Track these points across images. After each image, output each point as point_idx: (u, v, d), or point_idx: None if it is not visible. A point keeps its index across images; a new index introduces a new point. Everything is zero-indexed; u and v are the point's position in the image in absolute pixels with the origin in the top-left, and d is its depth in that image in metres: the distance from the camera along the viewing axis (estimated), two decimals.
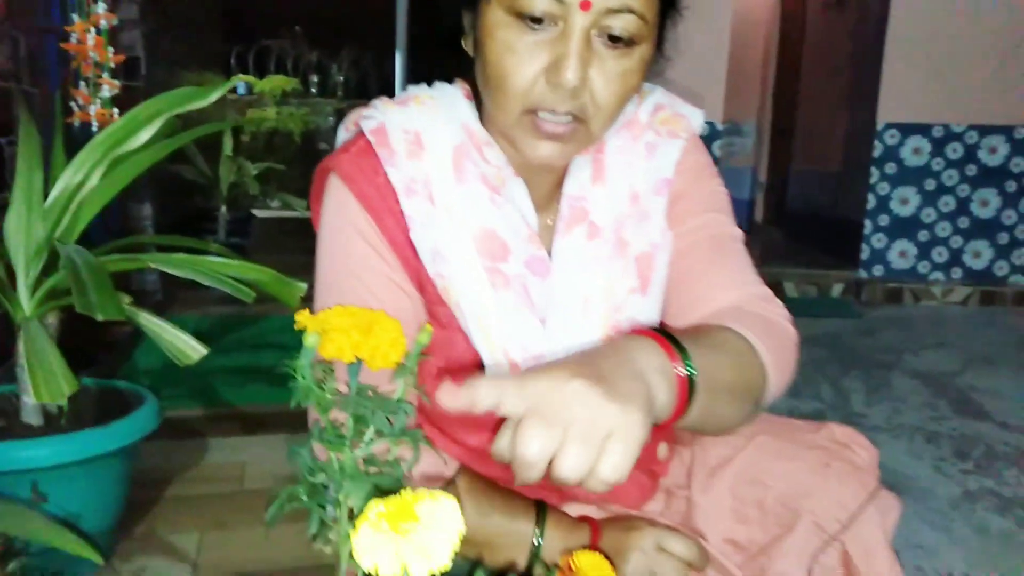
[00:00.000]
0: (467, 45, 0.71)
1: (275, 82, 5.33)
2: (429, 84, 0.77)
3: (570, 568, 0.50)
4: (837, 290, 3.71)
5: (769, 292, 0.74)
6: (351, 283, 0.72)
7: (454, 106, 0.74)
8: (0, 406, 0.99)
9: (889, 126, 3.63)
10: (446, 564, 0.35)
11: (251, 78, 5.78)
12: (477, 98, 0.73)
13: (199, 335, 1.03)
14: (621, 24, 0.62)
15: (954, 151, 3.62)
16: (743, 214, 5.83)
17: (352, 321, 0.68)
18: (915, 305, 3.62)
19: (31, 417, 0.93)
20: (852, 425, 1.99)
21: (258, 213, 3.72)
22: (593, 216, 0.75)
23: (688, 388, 0.55)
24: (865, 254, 3.73)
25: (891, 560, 0.77)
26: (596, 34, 0.63)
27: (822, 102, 4.57)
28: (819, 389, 2.43)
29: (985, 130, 3.60)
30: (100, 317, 0.75)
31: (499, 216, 0.72)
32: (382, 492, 0.59)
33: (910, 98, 3.58)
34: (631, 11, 0.62)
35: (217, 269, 0.95)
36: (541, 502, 0.74)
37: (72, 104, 1.61)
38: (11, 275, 0.90)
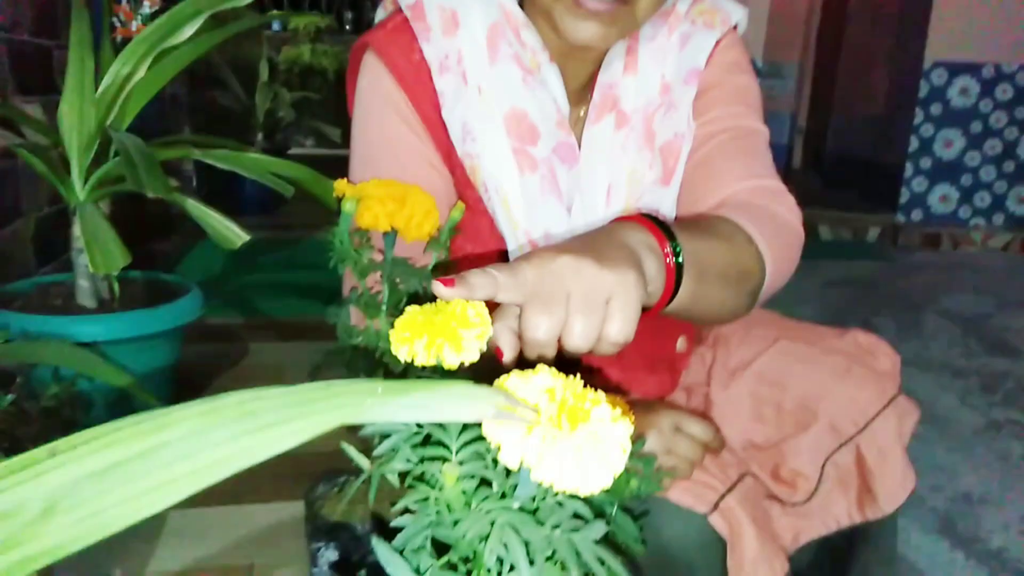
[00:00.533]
0: None
1: (309, 19, 5.31)
2: None
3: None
4: (873, 234, 3.65)
5: (781, 187, 0.73)
6: (385, 158, 0.74)
7: None
8: (57, 292, 1.05)
9: (937, 65, 3.51)
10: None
11: (286, 14, 5.76)
12: None
13: (236, 254, 1.08)
14: None
15: (1004, 92, 3.50)
16: (780, 159, 5.73)
17: (388, 191, 0.71)
18: (954, 250, 3.55)
19: (86, 299, 0.98)
20: None
21: (294, 151, 3.78)
22: (623, 105, 0.75)
23: (676, 268, 0.54)
24: (904, 198, 3.65)
25: (904, 463, 0.79)
26: None
27: (868, 44, 4.42)
28: (847, 327, 2.42)
29: None
30: (150, 194, 0.79)
31: (531, 98, 0.73)
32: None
33: (960, 35, 3.45)
34: None
35: (258, 164, 0.99)
36: None
37: (114, 19, 1.65)
38: (65, 163, 0.94)
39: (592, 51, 0.73)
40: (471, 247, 0.76)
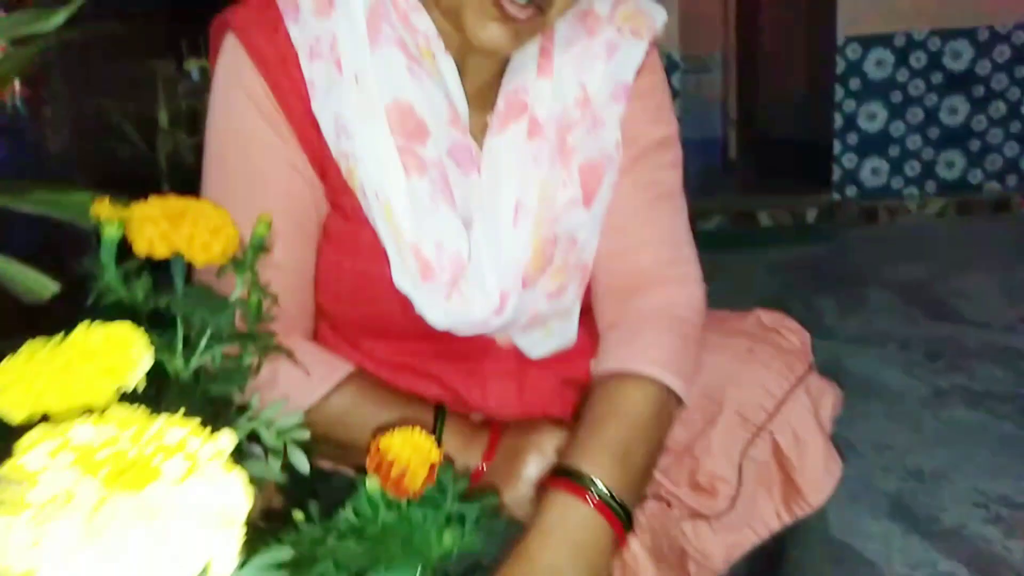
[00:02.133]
0: None
1: None
2: None
3: (379, 455, 0.43)
4: (811, 215, 3.65)
5: (688, 256, 0.73)
6: (238, 160, 0.65)
7: None
8: None
9: (850, 40, 3.53)
10: None
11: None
12: None
13: None
14: None
15: (918, 60, 3.53)
16: (715, 153, 5.75)
17: (162, 209, 0.60)
18: (891, 222, 3.55)
19: None
20: (825, 340, 1.92)
21: None
22: (535, 112, 0.68)
23: (622, 526, 0.59)
24: (837, 176, 3.65)
25: (825, 448, 0.72)
26: None
27: (784, 26, 4.47)
28: (791, 310, 2.36)
29: (947, 35, 3.50)
30: None
31: (418, 89, 0.65)
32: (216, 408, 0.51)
33: (869, 8, 3.48)
34: None
35: (79, 203, 0.88)
36: (441, 405, 0.68)
37: None
38: None
39: (497, 54, 0.66)
40: (349, 263, 0.67)
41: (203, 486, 0.20)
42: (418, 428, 0.44)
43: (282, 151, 0.65)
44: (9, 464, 0.19)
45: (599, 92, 0.70)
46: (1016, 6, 3.46)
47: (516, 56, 0.68)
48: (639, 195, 0.72)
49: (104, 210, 0.59)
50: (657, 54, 0.74)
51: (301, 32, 0.64)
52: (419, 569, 0.41)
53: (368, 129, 0.64)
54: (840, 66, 3.55)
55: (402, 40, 0.64)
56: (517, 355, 0.73)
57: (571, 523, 0.57)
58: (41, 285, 0.80)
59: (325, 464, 0.70)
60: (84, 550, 0.18)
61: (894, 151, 3.62)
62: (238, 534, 0.19)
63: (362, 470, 0.45)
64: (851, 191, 3.66)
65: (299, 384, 0.62)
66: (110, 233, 0.57)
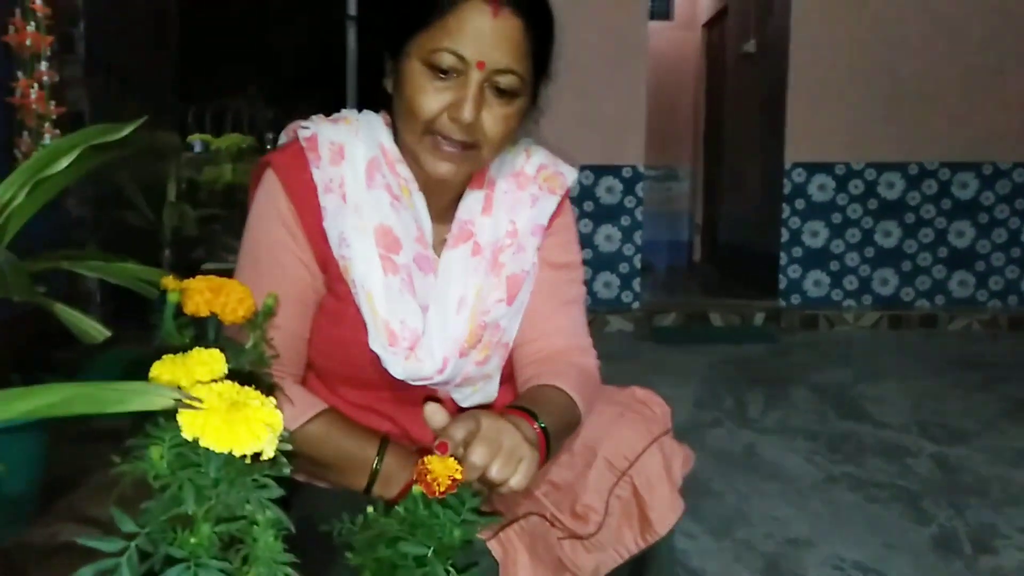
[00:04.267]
0: (387, 84, 0.89)
1: (231, 140, 5.55)
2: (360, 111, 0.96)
3: (423, 468, 0.67)
4: (759, 319, 3.96)
5: (588, 343, 0.99)
6: (266, 256, 0.89)
7: (374, 128, 0.91)
8: None
9: (796, 165, 3.95)
10: None
11: (208, 136, 5.97)
12: (394, 127, 0.91)
13: (139, 364, 1.21)
14: (506, 81, 0.82)
15: (855, 187, 3.94)
16: (682, 255, 6.14)
17: (206, 283, 0.88)
18: (830, 330, 3.88)
19: None
20: (745, 429, 2.27)
21: (211, 265, 3.88)
22: (478, 238, 0.93)
23: (547, 446, 0.80)
24: (783, 284, 3.99)
25: (671, 492, 0.93)
26: (488, 86, 0.81)
27: (742, 146, 4.91)
28: (722, 401, 2.64)
29: (882, 167, 3.93)
30: (15, 297, 0.94)
31: (396, 218, 0.88)
32: None
33: (813, 139, 3.91)
34: (513, 72, 0.82)
35: (124, 271, 1.16)
36: (386, 436, 0.91)
37: (16, 152, 1.82)
38: None
39: (450, 182, 0.89)
40: (337, 331, 0.91)
41: (258, 409, 0.47)
42: (450, 456, 0.68)
43: (297, 253, 0.89)
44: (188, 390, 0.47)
45: (524, 228, 0.94)
46: (942, 148, 3.92)
47: (467, 195, 0.93)
48: (552, 299, 0.97)
49: (169, 282, 0.88)
50: (568, 203, 1.01)
51: (320, 174, 0.88)
52: (436, 545, 0.64)
53: (360, 242, 0.87)
54: (787, 187, 3.95)
55: (388, 184, 0.89)
56: (453, 404, 0.96)
57: (520, 428, 0.75)
58: (96, 330, 1.07)
59: (299, 477, 0.94)
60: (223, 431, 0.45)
61: (834, 266, 3.99)
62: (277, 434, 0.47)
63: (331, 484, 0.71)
64: (795, 299, 3.99)
65: (286, 412, 0.88)
66: (172, 297, 0.86)
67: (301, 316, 0.92)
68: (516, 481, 0.71)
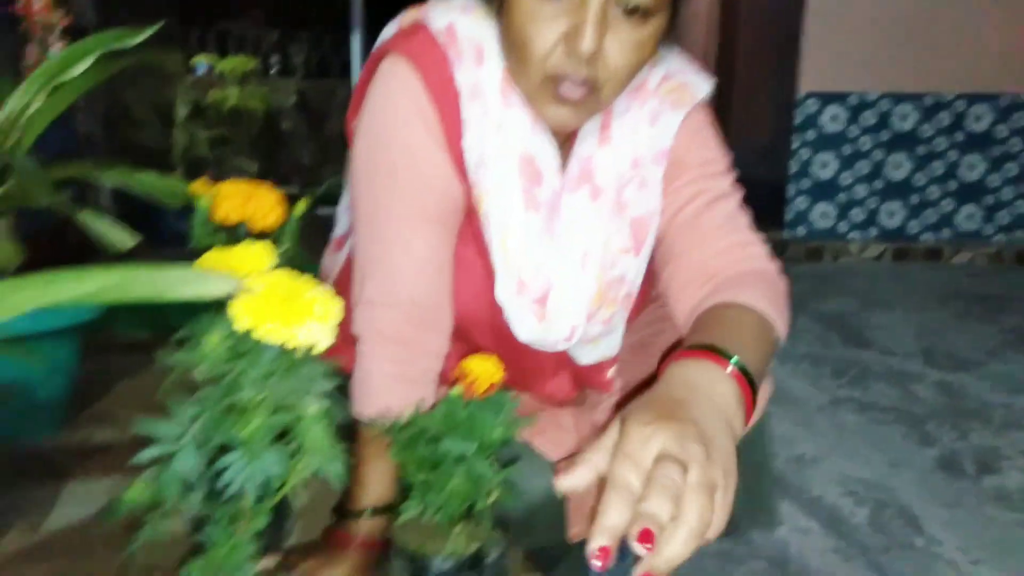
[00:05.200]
0: (491, 8, 0.73)
1: (236, 62, 5.43)
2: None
3: (464, 370, 0.68)
4: None
5: (761, 248, 0.78)
6: (404, 163, 0.73)
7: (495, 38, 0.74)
8: None
9: (810, 95, 3.87)
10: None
11: (212, 58, 5.84)
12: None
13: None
14: None
15: (868, 118, 3.88)
16: None
17: (236, 190, 0.88)
18: (834, 262, 3.88)
19: None
20: None
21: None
22: (597, 178, 0.78)
23: (752, 400, 0.58)
24: (789, 215, 3.97)
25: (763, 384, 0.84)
26: (613, 4, 0.64)
27: (753, 76, 4.81)
28: None
29: (897, 98, 3.86)
30: (39, 203, 0.94)
31: (539, 144, 0.75)
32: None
33: (828, 68, 3.82)
34: None
35: (146, 181, 1.14)
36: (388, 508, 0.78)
37: (22, 64, 1.77)
38: None
39: (564, 130, 0.76)
40: (458, 282, 0.79)
41: (316, 304, 0.47)
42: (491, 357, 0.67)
43: (444, 166, 0.74)
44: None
45: (645, 156, 0.78)
46: (958, 79, 3.83)
47: (583, 129, 0.77)
48: (694, 215, 0.78)
49: (200, 187, 0.87)
50: (701, 107, 0.81)
51: (464, 76, 0.73)
52: (478, 445, 0.63)
53: (501, 168, 0.74)
54: (798, 117, 3.89)
55: (523, 103, 0.73)
56: (568, 357, 0.87)
57: (711, 384, 0.55)
58: (122, 238, 1.06)
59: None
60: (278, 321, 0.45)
61: (842, 198, 3.96)
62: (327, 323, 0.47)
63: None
64: (801, 231, 3.98)
65: (370, 392, 0.76)
66: (203, 203, 0.85)
67: (447, 242, 0.77)
68: (711, 532, 0.46)
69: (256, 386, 0.50)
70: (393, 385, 0.75)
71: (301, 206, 0.91)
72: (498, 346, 0.81)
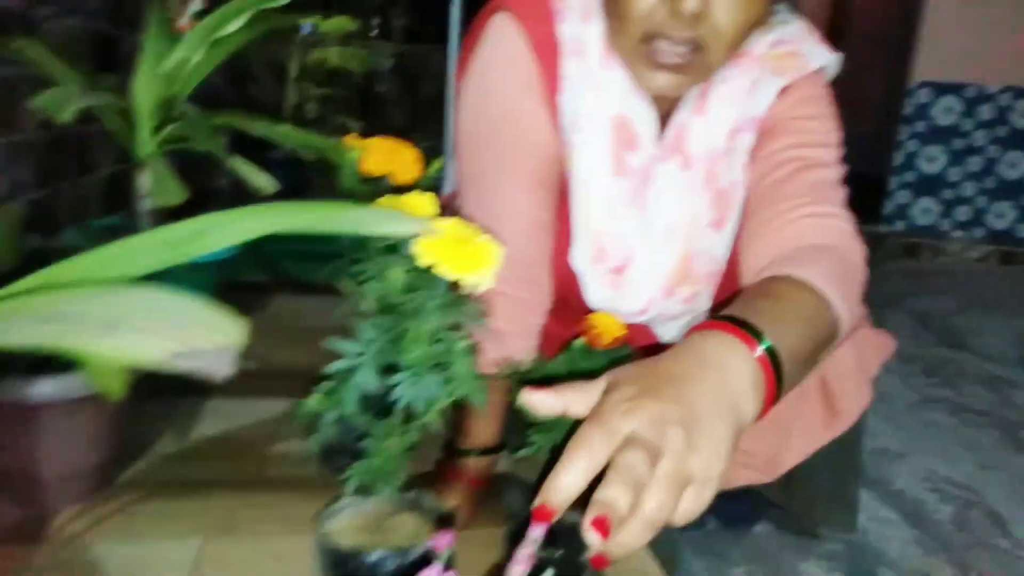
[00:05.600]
0: None
1: (338, 23, 5.58)
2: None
3: (588, 325, 0.74)
4: None
5: (845, 224, 0.72)
6: (508, 127, 0.72)
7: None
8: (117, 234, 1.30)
9: (923, 84, 3.71)
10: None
11: (317, 18, 6.01)
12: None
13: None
14: None
15: (985, 112, 3.70)
16: None
17: (382, 144, 0.95)
18: (932, 260, 3.74)
19: None
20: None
21: None
22: (689, 148, 0.75)
23: (777, 390, 0.50)
24: (888, 209, 3.85)
25: (860, 382, 0.86)
26: None
27: (864, 61, 4.62)
28: None
29: (1020, 92, 3.66)
30: (200, 147, 1.04)
31: (636, 107, 0.72)
32: None
33: (946, 57, 3.65)
34: None
35: (288, 135, 1.24)
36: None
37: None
38: (133, 127, 1.20)
39: (668, 97, 0.72)
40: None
41: (482, 246, 0.54)
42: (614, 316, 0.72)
43: (545, 124, 0.73)
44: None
45: (737, 124, 0.75)
46: None
47: (686, 94, 0.74)
48: (780, 180, 0.72)
49: (353, 140, 0.95)
50: (816, 81, 0.76)
51: (569, 30, 0.71)
52: None
53: (593, 129, 0.72)
54: (909, 107, 3.74)
55: (623, 66, 0.71)
56: (649, 333, 0.85)
57: (726, 361, 0.47)
58: (267, 184, 1.16)
59: None
60: (456, 260, 0.52)
61: (948, 194, 3.80)
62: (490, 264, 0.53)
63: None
64: (899, 226, 3.85)
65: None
66: (352, 155, 0.93)
67: (548, 203, 0.76)
68: (678, 519, 0.43)
69: (424, 317, 0.57)
70: (500, 339, 0.77)
71: (437, 164, 0.98)
72: (571, 313, 0.80)
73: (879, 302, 2.92)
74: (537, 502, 0.41)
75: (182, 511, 0.71)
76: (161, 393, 1.00)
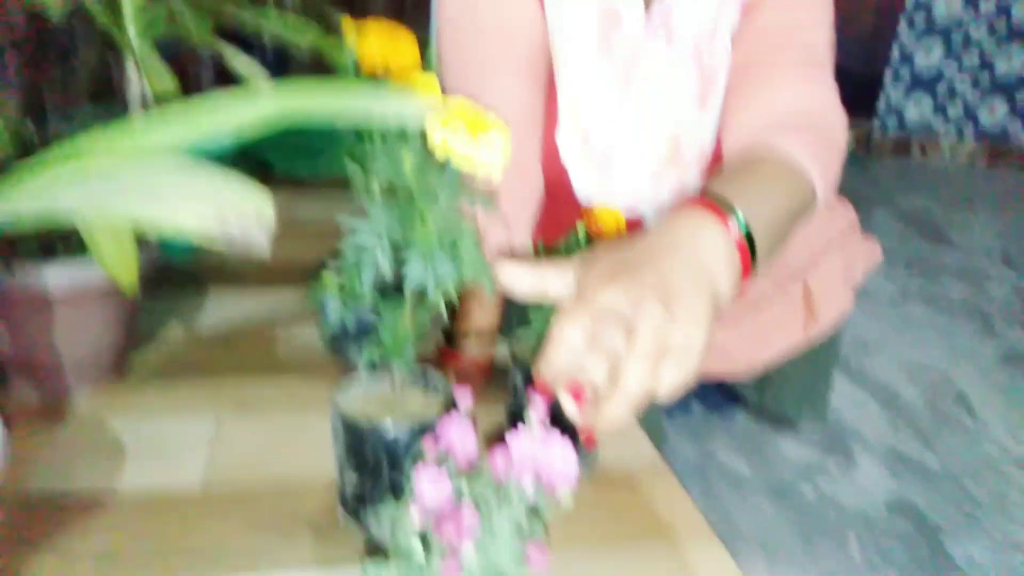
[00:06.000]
0: None
1: None
2: None
3: (588, 218, 0.74)
4: (849, 141, 3.83)
5: (830, 95, 0.70)
6: (487, 6, 0.71)
7: None
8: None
9: None
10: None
11: None
12: None
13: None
14: None
15: (987, 3, 3.60)
16: None
17: (379, 28, 0.93)
18: (922, 158, 3.75)
19: None
20: None
21: None
22: (675, 26, 0.73)
23: (752, 264, 0.49)
24: (881, 106, 3.81)
25: (843, 290, 0.87)
26: None
27: None
28: None
29: None
30: (195, 37, 1.01)
31: None
32: None
33: None
34: None
35: (281, 23, 1.21)
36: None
37: None
38: (119, 19, 1.16)
39: None
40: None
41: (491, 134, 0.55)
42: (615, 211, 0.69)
43: (531, 9, 0.70)
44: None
45: (721, 2, 0.72)
46: None
47: None
48: (764, 49, 0.70)
49: (348, 23, 0.93)
50: None
51: None
52: None
53: (579, 10, 0.70)
54: (909, 1, 3.64)
55: None
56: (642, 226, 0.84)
57: (699, 238, 0.47)
58: (258, 74, 1.14)
59: None
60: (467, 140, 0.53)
61: (942, 90, 3.76)
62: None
63: None
64: (891, 123, 3.83)
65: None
66: (350, 38, 0.92)
67: (537, 92, 0.74)
68: (662, 392, 0.41)
69: (433, 199, 0.59)
70: (490, 230, 0.76)
71: (432, 49, 0.97)
72: (560, 209, 0.79)
73: (868, 199, 2.95)
74: (537, 381, 0.41)
75: (195, 394, 0.74)
76: (164, 285, 1.02)
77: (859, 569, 1.01)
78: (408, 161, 0.57)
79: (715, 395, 1.32)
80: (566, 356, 0.41)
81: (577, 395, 0.40)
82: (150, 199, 0.31)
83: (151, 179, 0.31)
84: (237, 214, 0.32)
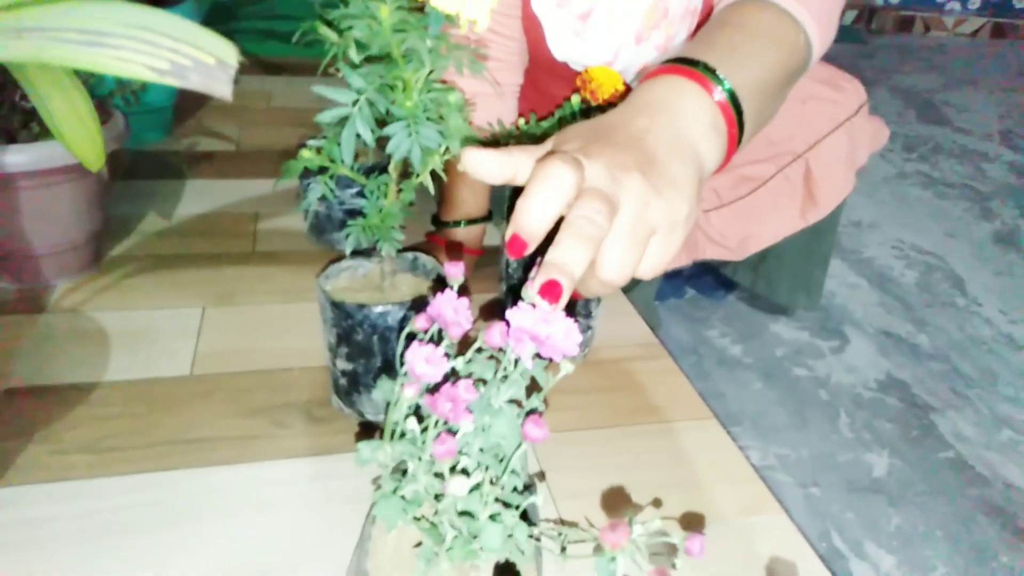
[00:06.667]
0: None
1: None
2: None
3: (584, 81, 0.69)
4: (849, 17, 3.69)
5: None
6: None
7: None
8: None
9: None
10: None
11: None
12: None
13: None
14: None
15: None
16: None
17: None
18: (924, 34, 3.61)
19: None
20: None
21: None
22: None
23: (739, 131, 0.46)
24: None
25: (847, 172, 0.85)
26: None
27: None
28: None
29: None
30: None
31: None
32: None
33: None
34: None
35: None
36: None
37: None
38: None
39: None
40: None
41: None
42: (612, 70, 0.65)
43: None
44: None
45: None
46: None
47: None
48: None
49: None
50: None
51: None
52: None
53: None
54: None
55: None
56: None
57: (679, 104, 0.43)
58: None
59: None
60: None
61: None
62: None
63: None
64: None
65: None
66: None
67: None
68: (644, 271, 0.39)
69: (418, 63, 0.54)
70: (484, 98, 0.74)
71: None
72: (540, 74, 0.76)
73: (867, 78, 2.86)
74: (508, 232, 0.37)
75: (178, 283, 0.72)
76: (138, 174, 0.97)
77: (850, 445, 1.03)
78: (386, 13, 0.52)
79: (708, 281, 1.31)
80: (550, 207, 0.36)
81: (551, 291, 0.34)
82: (98, 43, 0.27)
83: (100, 23, 0.27)
84: (195, 62, 0.28)
